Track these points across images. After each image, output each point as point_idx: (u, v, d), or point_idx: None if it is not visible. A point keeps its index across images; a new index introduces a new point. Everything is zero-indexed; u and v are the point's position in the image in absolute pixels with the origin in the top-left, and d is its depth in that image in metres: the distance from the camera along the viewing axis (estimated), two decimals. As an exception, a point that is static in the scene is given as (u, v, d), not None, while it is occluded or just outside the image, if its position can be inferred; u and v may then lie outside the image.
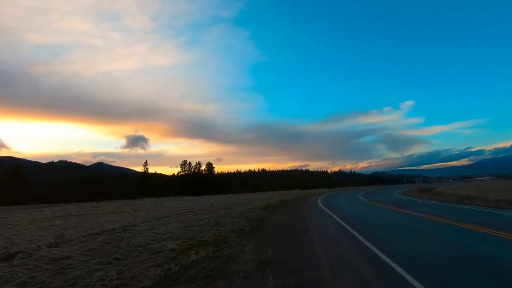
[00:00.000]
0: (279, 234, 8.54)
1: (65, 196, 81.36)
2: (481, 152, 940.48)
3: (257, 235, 8.74)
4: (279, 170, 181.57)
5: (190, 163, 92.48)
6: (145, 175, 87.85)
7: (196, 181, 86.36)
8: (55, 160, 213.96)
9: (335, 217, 12.67)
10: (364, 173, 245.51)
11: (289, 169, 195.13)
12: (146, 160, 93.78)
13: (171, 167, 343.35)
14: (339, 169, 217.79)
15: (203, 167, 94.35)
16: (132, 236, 10.57)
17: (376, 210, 15.51)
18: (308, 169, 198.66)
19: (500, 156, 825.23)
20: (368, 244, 6.75)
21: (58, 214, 23.93)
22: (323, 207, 18.48)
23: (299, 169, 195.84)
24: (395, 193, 37.19)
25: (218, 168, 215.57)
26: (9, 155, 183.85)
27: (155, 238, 9.91)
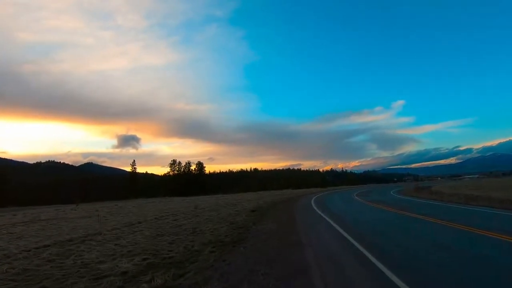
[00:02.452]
0: (264, 251, 6.60)
1: (50, 197, 78.22)
2: (469, 150, 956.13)
3: (237, 250, 6.91)
4: (271, 170, 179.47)
5: (179, 163, 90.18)
6: (133, 175, 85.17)
7: (186, 181, 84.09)
8: (43, 161, 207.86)
9: (333, 224, 10.69)
10: (356, 172, 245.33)
11: (281, 168, 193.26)
12: (134, 160, 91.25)
13: (163, 167, 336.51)
14: (331, 168, 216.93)
15: (193, 167, 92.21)
16: (87, 249, 8.67)
17: (379, 214, 13.58)
18: (300, 169, 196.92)
19: (487, 154, 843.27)
20: (388, 272, 4.64)
21: (26, 218, 21.76)
22: (318, 210, 16.65)
23: (291, 168, 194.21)
24: (391, 193, 35.81)
25: (210, 168, 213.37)
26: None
27: (113, 253, 8.03)
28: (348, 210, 16.57)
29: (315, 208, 18.36)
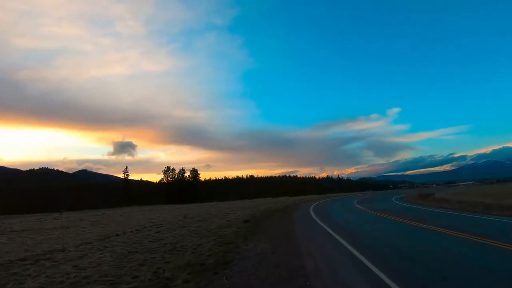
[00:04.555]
0: (254, 284, 4.81)
1: (41, 205, 75.43)
2: (463, 158, 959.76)
3: (218, 280, 5.20)
4: (267, 177, 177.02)
5: (173, 170, 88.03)
6: (126, 183, 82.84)
7: (180, 188, 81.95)
8: (36, 168, 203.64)
9: (341, 241, 8.70)
10: (352, 179, 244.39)
11: (277, 175, 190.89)
12: (126, 167, 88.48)
13: (159, 174, 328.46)
14: (327, 175, 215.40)
15: (187, 174, 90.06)
16: (35, 274, 6.93)
17: (393, 227, 11.65)
18: (297, 175, 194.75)
19: (481, 161, 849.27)
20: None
21: (-2, 229, 19.85)
22: (319, 222, 14.75)
23: (287, 175, 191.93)
24: (393, 200, 34.20)
25: (207, 175, 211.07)
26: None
27: (64, 279, 6.31)
28: (355, 222, 14.69)
29: (316, 219, 16.56)
